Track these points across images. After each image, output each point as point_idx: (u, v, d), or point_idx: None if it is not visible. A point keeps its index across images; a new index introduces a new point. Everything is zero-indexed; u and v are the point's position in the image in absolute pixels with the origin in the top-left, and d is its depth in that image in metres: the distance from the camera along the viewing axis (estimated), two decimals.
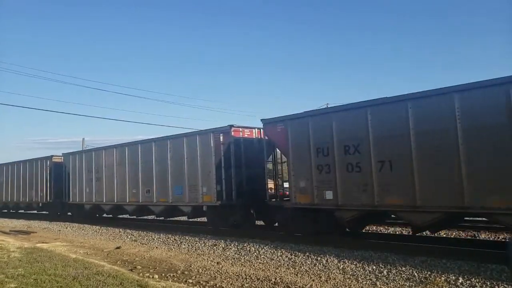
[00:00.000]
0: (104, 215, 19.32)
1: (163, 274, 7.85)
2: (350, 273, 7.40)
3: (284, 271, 7.77)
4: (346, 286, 6.63)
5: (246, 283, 6.99)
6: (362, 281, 6.86)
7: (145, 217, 18.44)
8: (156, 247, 11.20)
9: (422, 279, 6.75)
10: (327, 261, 8.26)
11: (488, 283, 6.28)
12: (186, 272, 7.97)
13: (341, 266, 7.83)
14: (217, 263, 8.74)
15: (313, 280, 7.00)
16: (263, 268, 8.15)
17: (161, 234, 13.03)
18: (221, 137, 12.71)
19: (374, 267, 7.60)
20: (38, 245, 12.12)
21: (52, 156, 21.70)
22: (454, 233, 11.34)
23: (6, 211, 26.41)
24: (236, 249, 10.12)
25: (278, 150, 12.33)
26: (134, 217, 18.16)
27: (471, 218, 12.14)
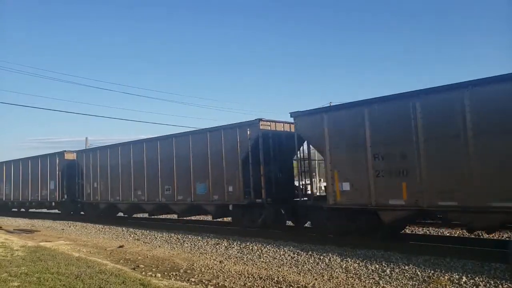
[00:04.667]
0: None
1: (165, 273, 7.85)
2: (353, 272, 7.37)
3: (287, 270, 7.76)
4: (349, 285, 6.61)
5: (249, 282, 6.98)
6: (365, 280, 6.84)
7: None
8: (159, 246, 11.21)
9: (425, 278, 6.72)
10: (329, 260, 8.24)
11: (492, 282, 6.24)
12: (188, 271, 7.98)
13: (344, 265, 7.81)
14: (220, 262, 8.74)
15: (316, 279, 6.99)
16: (266, 267, 8.14)
17: (164, 233, 13.04)
18: None
19: (377, 266, 7.57)
20: (42, 244, 12.17)
21: (259, 120, 11.86)
22: (457, 232, 11.29)
23: (121, 215, 18.37)
24: (239, 248, 10.11)
25: None
26: None
27: None
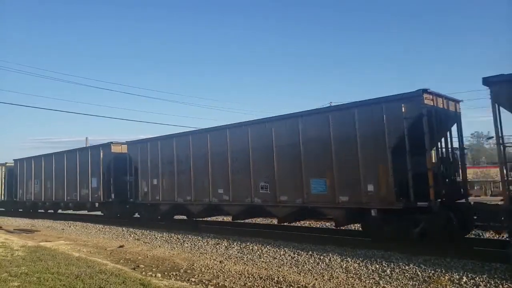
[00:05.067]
0: None
1: (165, 273, 7.85)
2: (353, 272, 7.37)
3: (287, 270, 7.76)
4: (349, 285, 6.61)
5: (249, 282, 6.98)
6: (365, 280, 6.83)
7: None
8: (159, 246, 11.21)
9: (426, 278, 6.72)
10: (330, 260, 8.24)
11: (492, 282, 6.25)
12: (188, 271, 7.98)
13: (344, 265, 7.81)
14: (220, 262, 8.74)
15: (316, 279, 6.99)
16: (266, 267, 8.14)
17: (164, 233, 13.04)
18: None
19: (377, 266, 7.57)
20: (42, 243, 12.16)
21: (422, 91, 8.79)
22: None
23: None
24: (239, 248, 10.11)
25: None
26: None
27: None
